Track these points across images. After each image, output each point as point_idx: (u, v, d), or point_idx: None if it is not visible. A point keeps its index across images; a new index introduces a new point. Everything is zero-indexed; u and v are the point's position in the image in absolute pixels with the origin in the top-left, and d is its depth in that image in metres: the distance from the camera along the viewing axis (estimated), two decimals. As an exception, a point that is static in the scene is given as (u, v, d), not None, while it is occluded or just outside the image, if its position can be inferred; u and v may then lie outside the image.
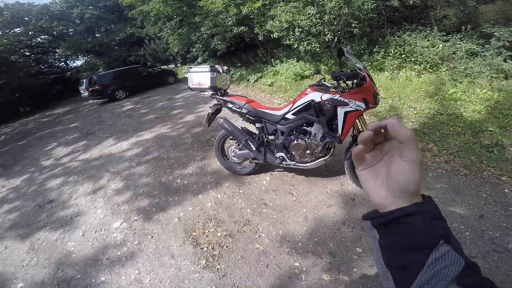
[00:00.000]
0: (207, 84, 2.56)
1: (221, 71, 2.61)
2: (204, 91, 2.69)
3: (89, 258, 2.24)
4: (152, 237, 2.32)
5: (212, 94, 2.66)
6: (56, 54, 19.17)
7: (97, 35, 20.07)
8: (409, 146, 0.35)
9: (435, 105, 3.85)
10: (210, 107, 2.78)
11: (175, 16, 10.06)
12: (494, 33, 4.79)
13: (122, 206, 2.90)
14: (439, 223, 0.35)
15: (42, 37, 18.53)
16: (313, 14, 5.56)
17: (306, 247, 1.94)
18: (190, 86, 2.71)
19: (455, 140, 2.99)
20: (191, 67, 2.74)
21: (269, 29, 6.43)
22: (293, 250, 1.93)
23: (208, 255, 2.00)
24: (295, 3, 5.88)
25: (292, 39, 6.21)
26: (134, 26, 16.56)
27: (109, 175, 3.74)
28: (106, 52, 18.27)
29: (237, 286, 1.73)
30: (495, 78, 4.13)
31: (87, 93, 11.54)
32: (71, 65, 21.51)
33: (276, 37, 6.45)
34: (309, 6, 5.64)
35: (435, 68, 4.94)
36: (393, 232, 0.36)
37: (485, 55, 4.59)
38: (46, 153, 5.65)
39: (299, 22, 5.67)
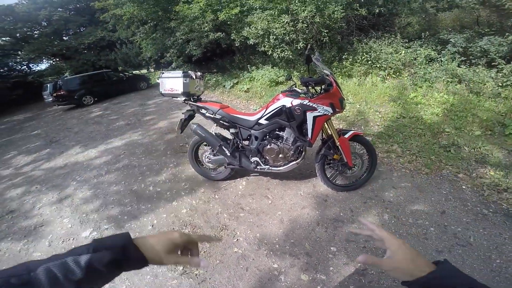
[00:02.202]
0: (180, 90, 2.51)
1: (194, 77, 2.58)
2: (176, 97, 2.64)
3: (58, 269, 2.10)
4: (124, 245, 2.23)
5: (185, 100, 2.62)
6: (18, 57, 17.73)
7: (64, 38, 18.88)
8: (383, 241, 0.50)
9: (398, 109, 4.13)
10: (183, 113, 2.74)
11: (149, 21, 9.82)
12: (450, 39, 5.23)
13: (91, 215, 2.75)
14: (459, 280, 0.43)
15: (3, 39, 17.00)
16: (287, 22, 5.73)
17: (283, 248, 1.97)
18: (162, 92, 2.64)
19: (417, 141, 3.23)
20: (163, 73, 2.67)
21: (245, 35, 6.51)
22: (271, 252, 1.95)
23: (185, 261, 1.97)
24: (271, 11, 6.03)
25: (267, 46, 6.35)
26: (105, 30, 15.85)
27: (76, 184, 3.52)
28: (74, 56, 17.31)
29: (218, 290, 1.71)
30: (450, 82, 4.51)
31: (51, 99, 10.84)
32: (34, 68, 19.97)
33: (252, 43, 6.55)
34: (284, 15, 5.82)
35: (398, 73, 5.30)
36: None
37: (441, 61, 5.00)
38: (4, 162, 5.17)
39: (274, 30, 5.83)
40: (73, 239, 2.44)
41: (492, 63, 4.47)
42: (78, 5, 18.64)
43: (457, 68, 4.65)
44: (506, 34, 4.52)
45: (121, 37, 13.77)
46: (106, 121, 7.00)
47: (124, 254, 0.44)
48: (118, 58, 17.18)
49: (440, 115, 3.76)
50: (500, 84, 4.10)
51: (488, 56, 4.63)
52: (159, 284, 1.82)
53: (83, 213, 2.82)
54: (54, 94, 10.34)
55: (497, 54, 4.47)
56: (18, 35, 16.91)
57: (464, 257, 1.74)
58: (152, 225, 2.43)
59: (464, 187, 2.42)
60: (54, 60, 19.03)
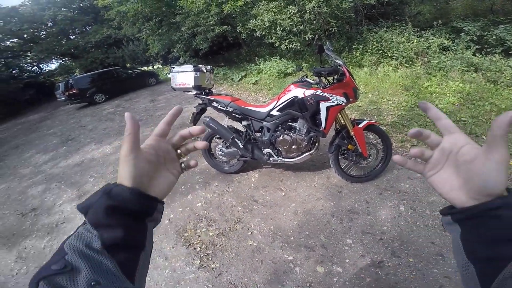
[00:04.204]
0: (191, 83, 2.51)
1: (205, 70, 2.58)
2: (188, 91, 2.64)
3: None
4: (143, 240, 2.29)
5: (196, 94, 2.63)
6: (28, 58, 18.17)
7: (71, 37, 19.18)
8: (496, 145, 0.32)
9: (412, 98, 4.02)
10: (194, 107, 2.75)
11: (154, 17, 9.82)
12: (464, 28, 5.04)
13: (109, 211, 2.84)
14: None
15: (12, 40, 17.32)
16: (294, 13, 5.63)
17: (298, 240, 1.98)
18: (174, 86, 2.65)
19: (432, 130, 3.14)
20: (173, 67, 2.66)
21: (251, 27, 6.44)
22: (286, 245, 1.96)
23: (202, 255, 2.00)
24: (277, 2, 5.94)
25: (274, 38, 6.27)
26: (111, 27, 15.90)
27: (93, 180, 3.63)
28: (82, 55, 17.64)
29: (234, 283, 1.74)
30: (466, 71, 4.35)
31: (63, 98, 11.10)
32: (44, 69, 20.49)
33: (259, 35, 6.49)
34: (290, 6, 5.71)
35: (410, 63, 5.15)
36: (478, 226, 0.34)
37: (456, 49, 4.84)
38: (24, 161, 5.36)
39: (281, 21, 5.74)
40: (94, 235, 2.52)
41: (510, 52, 4.29)
42: (81, 4, 18.81)
43: (472, 57, 4.49)
44: None
45: (127, 34, 13.80)
46: (119, 118, 7.13)
47: (111, 197, 0.36)
48: (126, 55, 17.34)
49: (456, 104, 3.65)
50: (519, 72, 3.93)
51: (505, 44, 4.44)
52: (177, 278, 1.86)
53: (103, 209, 2.90)
54: (67, 93, 10.54)
55: (514, 43, 4.29)
56: (25, 36, 17.16)
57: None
58: (169, 220, 2.48)
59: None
60: (63, 59, 19.43)
